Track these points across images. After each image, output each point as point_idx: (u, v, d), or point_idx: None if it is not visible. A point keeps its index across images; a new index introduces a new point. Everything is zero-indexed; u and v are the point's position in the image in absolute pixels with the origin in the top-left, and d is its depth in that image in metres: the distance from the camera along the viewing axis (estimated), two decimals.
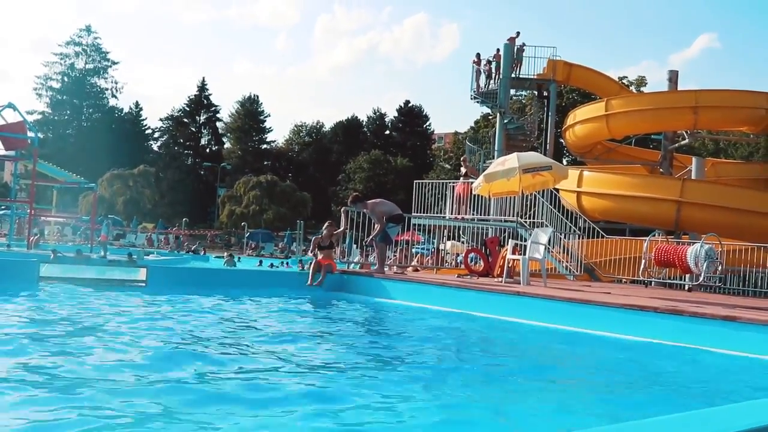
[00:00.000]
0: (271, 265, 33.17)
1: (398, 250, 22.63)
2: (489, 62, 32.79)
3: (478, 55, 33.43)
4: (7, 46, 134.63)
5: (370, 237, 15.77)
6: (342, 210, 16.71)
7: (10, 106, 27.14)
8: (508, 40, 32.59)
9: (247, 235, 53.27)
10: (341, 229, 16.93)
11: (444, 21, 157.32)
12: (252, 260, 36.25)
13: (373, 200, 15.93)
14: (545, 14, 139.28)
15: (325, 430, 4.72)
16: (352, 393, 5.75)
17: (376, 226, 15.47)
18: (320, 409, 5.16)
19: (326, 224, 16.14)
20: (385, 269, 16.14)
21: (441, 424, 5.10)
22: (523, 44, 32.63)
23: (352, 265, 19.75)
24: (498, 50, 32.58)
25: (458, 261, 22.82)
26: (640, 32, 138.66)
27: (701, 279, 15.53)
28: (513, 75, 32.37)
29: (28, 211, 28.99)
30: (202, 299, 12.09)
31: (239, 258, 36.47)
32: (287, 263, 31.42)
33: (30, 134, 28.44)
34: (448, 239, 25.09)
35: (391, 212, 15.49)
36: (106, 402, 4.95)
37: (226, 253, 39.50)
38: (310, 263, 15.60)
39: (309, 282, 14.64)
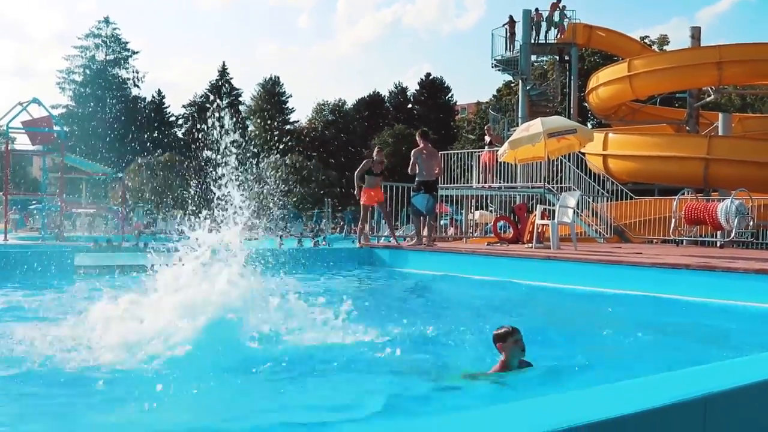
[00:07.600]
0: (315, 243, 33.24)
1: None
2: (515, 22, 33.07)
3: (511, 16, 33.54)
4: (31, 43, 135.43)
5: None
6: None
7: (35, 101, 27.39)
8: (550, 6, 32.68)
9: None
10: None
11: None
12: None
13: (432, 152, 14.92)
14: None
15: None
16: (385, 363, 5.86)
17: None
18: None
19: (376, 149, 15.65)
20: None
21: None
22: (564, 7, 32.98)
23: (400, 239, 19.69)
24: (537, 9, 32.83)
25: (486, 230, 22.76)
26: None
27: (733, 235, 15.46)
28: (554, 40, 32.97)
29: (60, 204, 29.40)
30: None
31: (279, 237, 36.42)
32: (316, 241, 31.50)
33: (56, 128, 28.78)
34: (477, 209, 25.09)
35: (420, 174, 14.67)
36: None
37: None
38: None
39: (359, 244, 15.47)
